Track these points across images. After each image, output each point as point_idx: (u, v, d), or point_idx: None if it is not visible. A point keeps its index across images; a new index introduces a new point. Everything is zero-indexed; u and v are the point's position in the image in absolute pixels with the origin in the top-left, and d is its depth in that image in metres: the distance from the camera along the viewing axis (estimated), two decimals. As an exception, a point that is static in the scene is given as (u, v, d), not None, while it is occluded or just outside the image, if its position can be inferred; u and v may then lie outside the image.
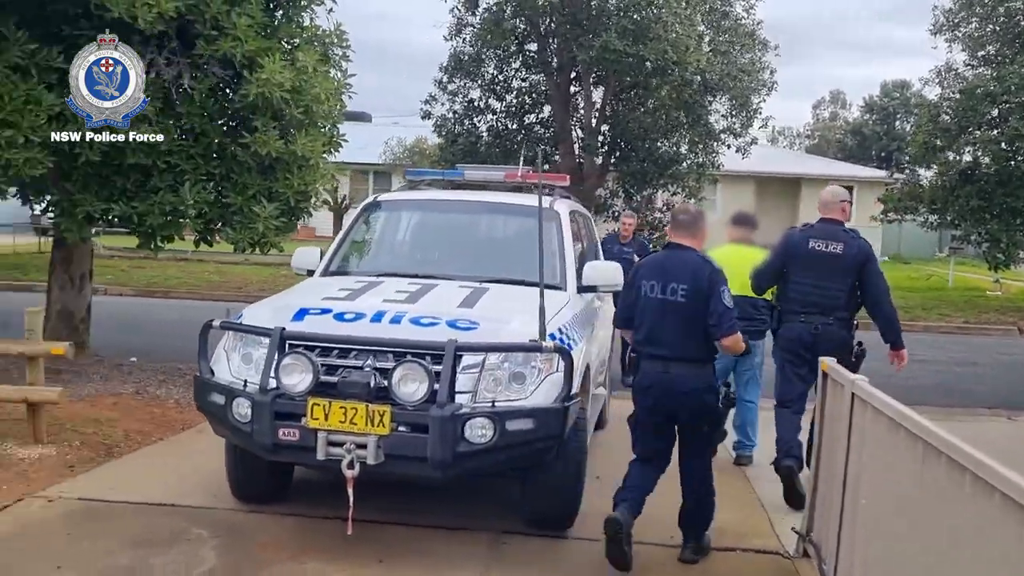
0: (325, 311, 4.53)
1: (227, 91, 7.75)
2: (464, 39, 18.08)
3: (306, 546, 4.35)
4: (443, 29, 18.28)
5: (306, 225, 24.28)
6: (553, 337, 4.34)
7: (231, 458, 4.75)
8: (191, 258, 18.54)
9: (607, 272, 5.75)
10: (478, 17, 17.72)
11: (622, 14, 15.68)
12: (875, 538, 3.44)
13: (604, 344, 6.76)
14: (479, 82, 18.25)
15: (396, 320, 4.40)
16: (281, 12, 8.19)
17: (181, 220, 7.37)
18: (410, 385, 4.03)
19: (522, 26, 17.61)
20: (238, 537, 4.45)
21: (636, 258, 9.39)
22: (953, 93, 17.59)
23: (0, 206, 19.42)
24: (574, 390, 4.35)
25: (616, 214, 17.67)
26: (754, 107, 18.38)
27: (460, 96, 18.33)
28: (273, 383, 4.14)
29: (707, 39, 17.45)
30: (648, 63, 16.01)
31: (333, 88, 8.01)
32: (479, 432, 4.04)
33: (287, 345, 4.23)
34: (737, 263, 5.62)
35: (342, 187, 25.12)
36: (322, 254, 5.83)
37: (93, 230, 7.65)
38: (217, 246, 8.33)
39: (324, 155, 8.13)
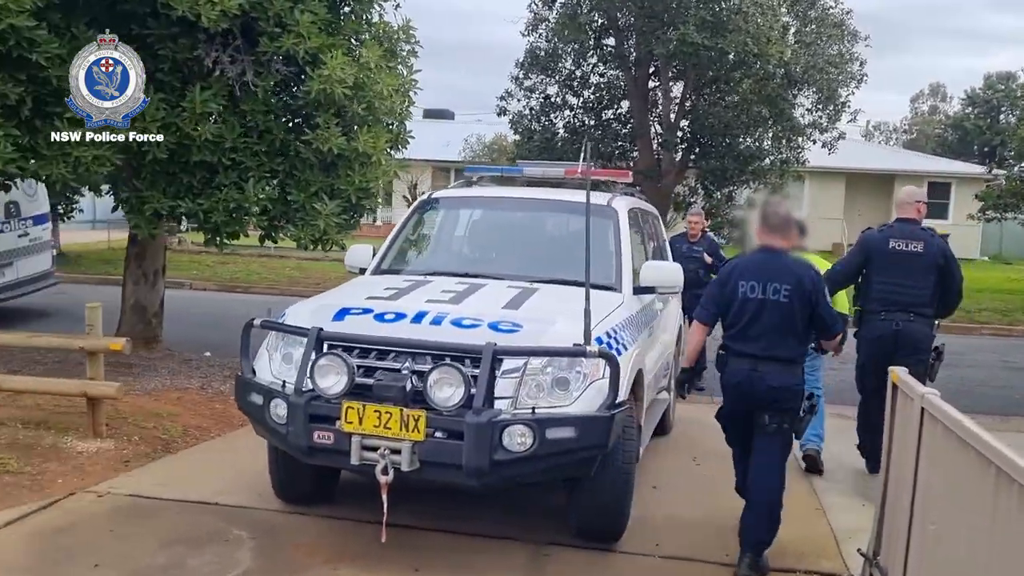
0: (366, 311, 4.42)
1: (291, 88, 7.77)
2: (541, 34, 17.85)
3: (343, 551, 4.25)
4: (520, 25, 18.14)
5: (388, 222, 24.57)
6: (600, 341, 4.13)
7: (273, 459, 4.70)
8: (273, 254, 18.90)
9: (667, 272, 5.50)
10: (554, 12, 17.46)
11: (701, 6, 15.18)
12: (944, 569, 3.12)
13: (666, 348, 6.49)
14: (556, 78, 18.00)
15: (437, 321, 4.25)
16: (348, 8, 8.18)
17: (245, 217, 7.41)
18: (446, 390, 3.88)
19: (599, 20, 17.28)
20: (276, 539, 4.39)
21: (706, 257, 9.09)
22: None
23: (97, 203, 20.33)
24: (621, 397, 4.13)
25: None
26: (842, 100, 17.57)
27: (536, 92, 18.13)
28: (308, 384, 4.05)
29: (792, 30, 16.77)
30: (730, 56, 15.50)
31: (398, 84, 7.94)
32: (518, 440, 3.85)
33: (324, 345, 4.14)
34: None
35: (422, 183, 25.29)
36: (375, 251, 5.74)
37: (182, 226, 7.79)
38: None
39: (387, 152, 8.08)
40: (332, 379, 3.99)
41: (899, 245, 5.53)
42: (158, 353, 8.69)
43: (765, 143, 17.82)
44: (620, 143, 18.31)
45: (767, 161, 17.64)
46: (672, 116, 17.78)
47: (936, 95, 56.33)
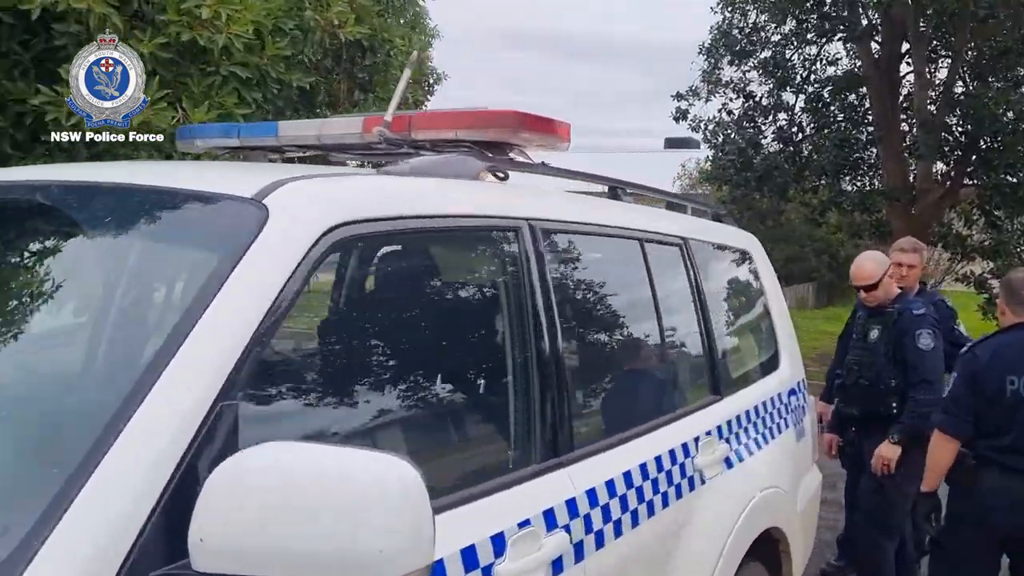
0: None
1: None
2: (738, 7, 13.15)
3: None
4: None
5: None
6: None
7: None
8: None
9: None
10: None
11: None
12: None
13: None
14: (760, 68, 13.23)
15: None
16: None
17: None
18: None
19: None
20: None
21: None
22: None
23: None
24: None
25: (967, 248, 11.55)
26: None
27: (732, 88, 13.47)
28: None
29: None
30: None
31: None
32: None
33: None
34: None
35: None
36: None
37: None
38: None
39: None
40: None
41: None
42: None
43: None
44: (856, 153, 13.07)
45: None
46: (933, 109, 12.25)
47: None
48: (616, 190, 2.70)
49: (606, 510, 2.07)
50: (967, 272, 12.94)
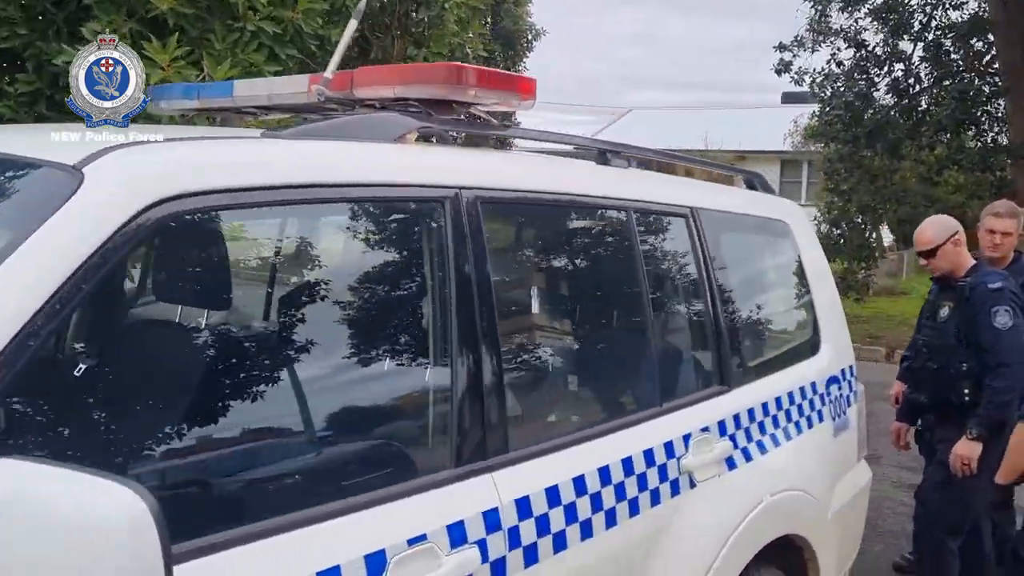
0: None
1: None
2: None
3: None
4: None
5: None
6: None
7: None
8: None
9: None
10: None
11: None
12: None
13: None
14: (874, 15, 12.17)
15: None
16: None
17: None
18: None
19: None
20: None
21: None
22: None
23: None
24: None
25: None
26: None
27: (843, 37, 12.44)
28: None
29: None
30: None
31: None
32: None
33: None
34: None
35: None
36: None
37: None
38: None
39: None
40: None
41: None
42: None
43: None
44: (979, 106, 11.93)
45: None
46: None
47: None
48: (607, 153, 2.39)
49: (542, 521, 1.82)
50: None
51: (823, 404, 3.00)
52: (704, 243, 2.57)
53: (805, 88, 13.40)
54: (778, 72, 12.71)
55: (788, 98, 25.86)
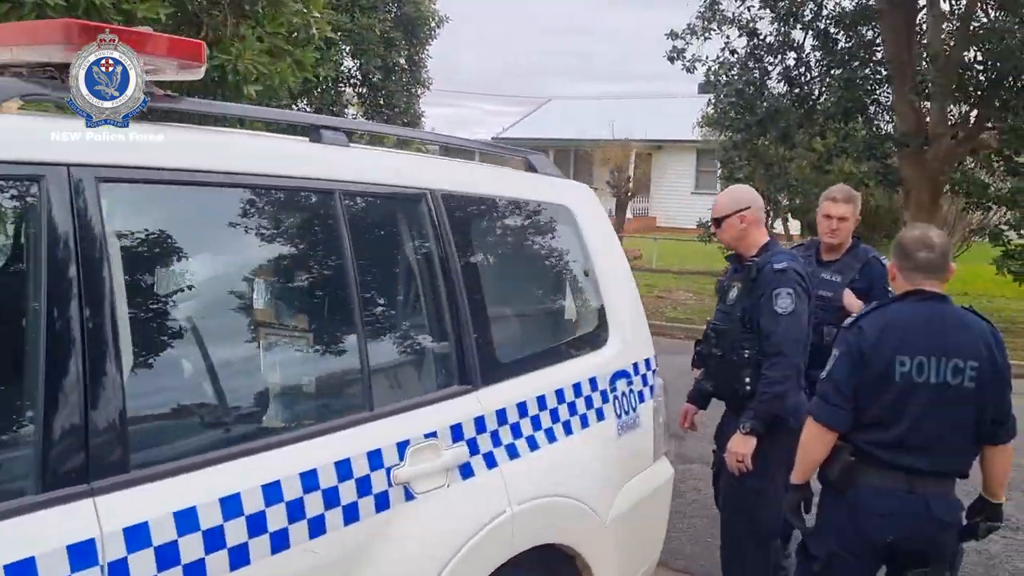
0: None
1: None
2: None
3: None
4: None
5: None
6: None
7: None
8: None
9: None
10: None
11: None
12: None
13: None
14: (764, 4, 12.15)
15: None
16: None
17: None
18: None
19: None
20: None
21: (847, 299, 3.77)
22: None
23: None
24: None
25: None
26: None
27: (733, 26, 12.40)
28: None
29: None
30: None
31: None
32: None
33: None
34: None
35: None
36: None
37: None
38: None
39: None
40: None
41: None
42: None
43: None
44: (869, 95, 12.04)
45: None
46: (946, 48, 11.14)
47: None
48: (319, 130, 2.13)
49: (164, 552, 1.56)
50: (982, 223, 11.95)
51: (604, 402, 2.80)
52: (446, 230, 2.33)
53: (699, 75, 13.40)
54: (671, 59, 12.63)
55: (704, 88, 25.94)
